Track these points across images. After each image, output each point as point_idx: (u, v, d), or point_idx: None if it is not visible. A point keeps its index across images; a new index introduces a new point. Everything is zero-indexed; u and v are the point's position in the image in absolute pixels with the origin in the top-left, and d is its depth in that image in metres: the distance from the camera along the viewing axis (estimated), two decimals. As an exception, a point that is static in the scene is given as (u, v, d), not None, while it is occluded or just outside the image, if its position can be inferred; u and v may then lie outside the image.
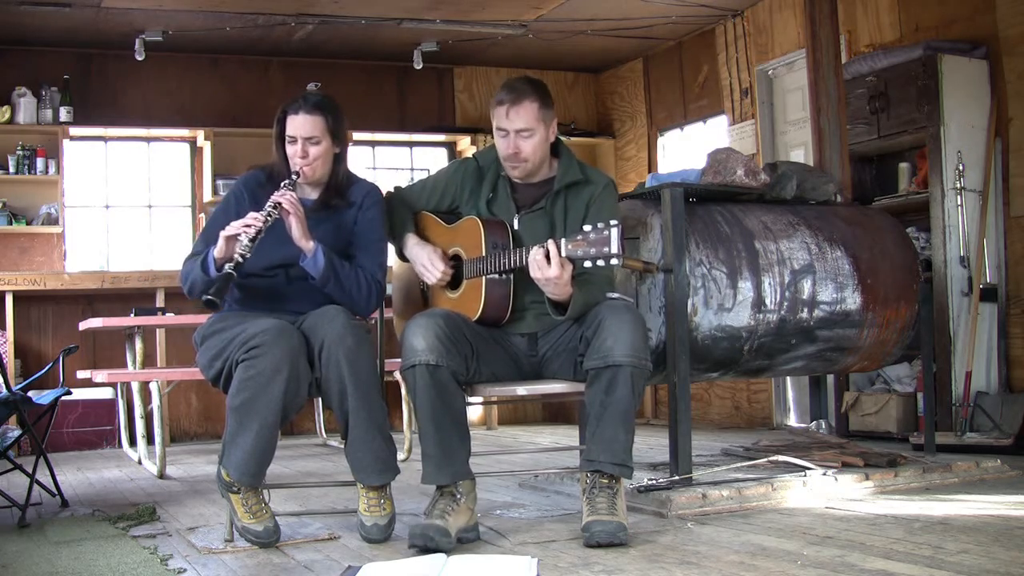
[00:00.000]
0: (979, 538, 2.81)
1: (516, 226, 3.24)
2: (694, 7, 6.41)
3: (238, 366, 2.97)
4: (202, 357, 3.12)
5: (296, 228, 3.09)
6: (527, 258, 2.94)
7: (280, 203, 3.08)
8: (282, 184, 3.16)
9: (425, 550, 2.85)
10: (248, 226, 3.02)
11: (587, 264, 2.85)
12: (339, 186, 3.29)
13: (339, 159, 3.29)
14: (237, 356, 2.97)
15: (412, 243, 3.32)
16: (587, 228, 2.84)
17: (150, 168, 7.25)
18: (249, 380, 2.94)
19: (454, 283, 3.27)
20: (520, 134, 3.20)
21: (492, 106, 3.26)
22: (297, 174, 3.19)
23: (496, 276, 3.12)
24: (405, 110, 7.70)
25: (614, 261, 2.79)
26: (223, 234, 3.05)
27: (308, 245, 3.11)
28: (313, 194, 3.29)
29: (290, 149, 3.20)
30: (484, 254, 3.13)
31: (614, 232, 2.77)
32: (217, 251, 3.06)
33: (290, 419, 3.04)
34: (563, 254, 2.88)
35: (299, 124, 3.19)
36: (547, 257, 2.89)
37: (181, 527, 3.47)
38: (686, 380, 3.57)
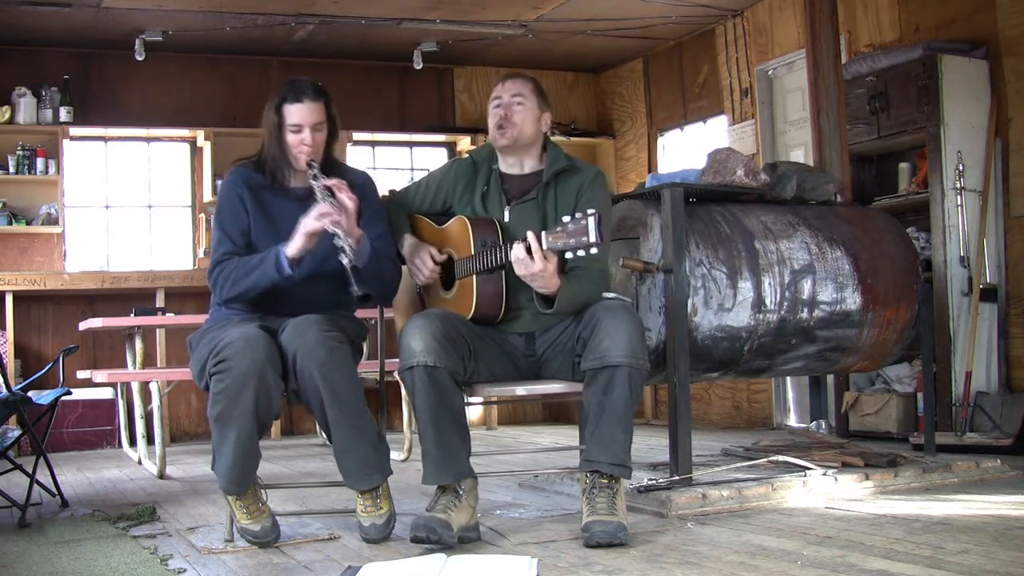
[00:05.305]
0: (979, 538, 2.81)
1: (507, 218, 3.25)
2: (694, 7, 6.40)
3: (211, 378, 2.96)
4: (193, 365, 3.11)
5: (351, 219, 3.05)
6: (510, 254, 2.95)
7: (335, 192, 3.04)
8: (313, 176, 3.09)
9: (428, 542, 2.86)
10: (327, 218, 2.98)
11: (568, 255, 2.85)
12: (328, 172, 3.18)
13: (329, 145, 3.24)
14: (210, 368, 2.96)
15: (408, 244, 3.34)
16: (566, 219, 2.86)
17: (150, 168, 7.24)
18: (220, 394, 2.93)
19: (448, 283, 3.28)
20: (514, 98, 3.29)
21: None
22: (312, 164, 3.12)
23: (486, 274, 3.13)
24: (405, 110, 7.70)
25: (593, 250, 2.80)
26: (306, 231, 2.99)
27: (358, 232, 3.06)
28: (300, 181, 3.21)
29: (294, 138, 3.13)
30: (473, 253, 3.14)
31: (591, 221, 2.78)
32: (294, 250, 3.02)
33: (267, 427, 3.01)
34: (544, 246, 2.89)
35: (305, 112, 3.12)
36: (529, 252, 2.90)
37: (181, 527, 3.47)
38: (686, 380, 3.57)
